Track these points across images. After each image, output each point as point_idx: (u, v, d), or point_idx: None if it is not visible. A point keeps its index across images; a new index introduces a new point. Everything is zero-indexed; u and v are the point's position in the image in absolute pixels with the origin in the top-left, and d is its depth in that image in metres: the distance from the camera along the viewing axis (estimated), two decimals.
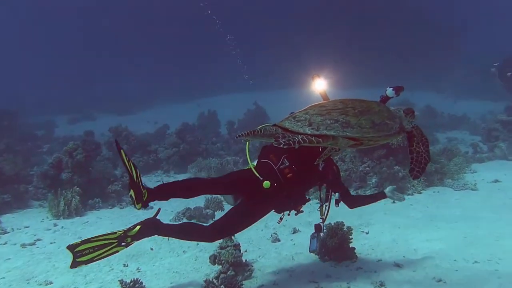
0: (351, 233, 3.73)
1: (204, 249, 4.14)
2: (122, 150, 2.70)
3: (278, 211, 3.16)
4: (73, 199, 5.72)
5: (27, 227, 5.15)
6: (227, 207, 5.45)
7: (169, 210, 5.74)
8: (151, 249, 4.22)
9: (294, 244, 4.24)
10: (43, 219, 5.54)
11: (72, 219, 5.58)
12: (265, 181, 2.87)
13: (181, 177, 8.53)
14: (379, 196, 3.43)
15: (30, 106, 19.76)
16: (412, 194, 5.95)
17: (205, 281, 3.33)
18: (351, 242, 3.70)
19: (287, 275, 3.45)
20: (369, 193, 5.87)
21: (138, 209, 2.73)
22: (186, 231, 3.07)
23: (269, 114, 13.85)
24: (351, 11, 21.68)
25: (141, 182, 2.73)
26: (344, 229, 3.72)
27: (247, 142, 2.91)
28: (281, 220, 3.19)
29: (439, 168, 6.40)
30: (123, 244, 2.82)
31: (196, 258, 3.95)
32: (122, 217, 5.76)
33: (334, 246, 3.60)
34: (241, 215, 3.03)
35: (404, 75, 17.73)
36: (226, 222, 3.06)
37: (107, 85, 25.29)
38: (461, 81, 18.64)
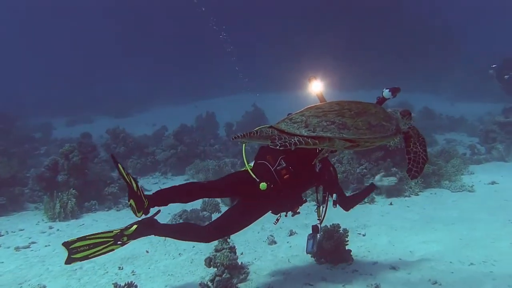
0: (347, 235, 3.71)
1: (200, 251, 4.12)
2: (119, 165, 2.72)
3: (275, 212, 3.15)
4: (69, 201, 5.69)
5: (22, 230, 5.12)
6: (224, 209, 5.44)
7: (165, 212, 5.68)
8: (147, 251, 4.20)
9: (291, 246, 4.22)
10: (38, 222, 5.51)
11: (68, 222, 5.55)
12: (262, 183, 2.87)
13: (178, 179, 8.52)
14: (369, 188, 3.43)
15: (30, 106, 19.80)
16: (409, 196, 5.94)
17: (200, 284, 3.32)
18: (347, 244, 3.69)
19: (283, 277, 3.44)
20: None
21: (139, 217, 2.75)
22: (182, 231, 3.08)
23: (268, 116, 13.84)
24: (351, 11, 21.72)
25: (142, 192, 2.75)
26: (340, 231, 3.71)
27: (244, 144, 2.91)
28: (277, 221, 3.18)
29: (436, 170, 6.40)
30: (119, 243, 2.82)
31: (192, 260, 3.93)
32: (119, 219, 5.73)
33: (330, 248, 3.59)
34: (238, 216, 3.04)
35: (403, 76, 17.79)
36: (223, 222, 3.06)
37: (107, 85, 25.31)
38: (460, 83, 18.68)
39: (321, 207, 3.25)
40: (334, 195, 3.21)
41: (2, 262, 3.99)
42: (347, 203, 3.33)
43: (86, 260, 2.77)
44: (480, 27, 25.05)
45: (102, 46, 30.76)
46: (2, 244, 4.55)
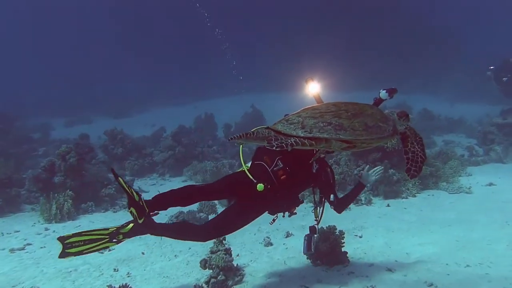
0: (343, 237, 3.70)
1: (195, 253, 4.10)
2: (119, 178, 2.74)
3: (272, 213, 3.15)
4: (66, 202, 5.67)
5: (17, 231, 5.11)
6: (221, 210, 5.42)
7: (162, 213, 5.67)
8: (142, 253, 4.19)
9: (287, 248, 4.21)
10: (34, 223, 5.49)
11: (64, 223, 5.53)
12: (259, 184, 2.87)
13: (176, 180, 8.50)
14: (359, 187, 3.35)
15: (30, 106, 19.80)
16: (407, 198, 5.93)
17: (195, 286, 3.31)
18: (343, 246, 3.67)
19: (278, 279, 3.42)
20: (363, 196, 5.84)
21: (141, 223, 2.76)
22: (178, 229, 3.10)
23: (266, 117, 13.83)
24: (351, 11, 21.74)
25: (143, 201, 2.78)
26: (336, 233, 3.69)
27: (241, 145, 2.92)
28: (273, 221, 3.18)
29: (434, 172, 6.39)
30: (114, 240, 2.83)
31: (188, 262, 3.91)
32: (115, 221, 5.71)
33: (326, 250, 3.58)
34: (235, 215, 3.04)
35: (402, 77, 17.78)
36: (219, 222, 3.08)
37: (107, 85, 25.31)
38: (460, 83, 18.66)
39: (318, 208, 3.24)
40: (332, 195, 3.20)
41: None
42: (340, 205, 3.32)
43: (79, 256, 2.79)
44: (480, 27, 25.06)
45: (102, 46, 30.80)
46: None
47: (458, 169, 6.87)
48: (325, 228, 3.70)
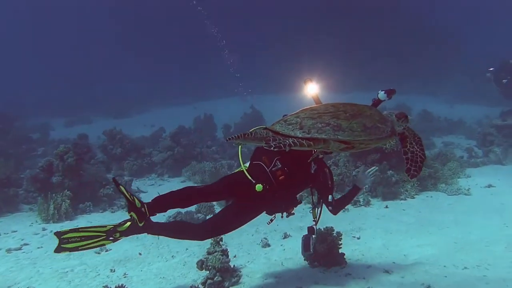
0: (341, 238, 3.68)
1: (193, 254, 4.09)
2: (121, 186, 2.75)
3: (270, 213, 3.15)
4: (63, 203, 5.66)
5: (14, 231, 5.09)
6: (219, 210, 5.40)
7: (160, 214, 5.67)
8: (140, 254, 4.18)
9: (284, 249, 4.19)
10: (32, 223, 5.48)
11: (62, 223, 5.52)
12: (258, 184, 2.87)
13: (175, 180, 8.48)
14: (355, 189, 3.30)
15: (30, 106, 19.79)
16: (405, 199, 5.91)
17: (191, 287, 3.29)
18: (341, 247, 3.66)
19: (275, 281, 3.41)
20: (361, 198, 5.82)
21: (141, 226, 2.78)
22: (176, 229, 3.11)
23: (266, 118, 13.82)
24: (351, 11, 21.73)
25: (144, 206, 2.80)
26: (334, 234, 3.68)
27: (240, 146, 2.91)
28: (271, 221, 3.17)
29: (433, 173, 6.37)
30: (110, 238, 2.82)
31: (185, 263, 3.90)
32: (113, 221, 5.58)
33: (323, 251, 3.57)
34: (233, 215, 3.04)
35: (402, 77, 17.75)
36: (217, 221, 3.08)
37: (107, 85, 25.30)
38: (459, 84, 18.64)
39: (316, 208, 3.23)
40: (330, 196, 3.19)
41: None
42: (336, 207, 3.30)
43: (75, 252, 2.80)
44: (480, 27, 25.03)
45: (102, 46, 30.79)
46: None
47: (457, 170, 6.85)
48: (322, 230, 3.69)
